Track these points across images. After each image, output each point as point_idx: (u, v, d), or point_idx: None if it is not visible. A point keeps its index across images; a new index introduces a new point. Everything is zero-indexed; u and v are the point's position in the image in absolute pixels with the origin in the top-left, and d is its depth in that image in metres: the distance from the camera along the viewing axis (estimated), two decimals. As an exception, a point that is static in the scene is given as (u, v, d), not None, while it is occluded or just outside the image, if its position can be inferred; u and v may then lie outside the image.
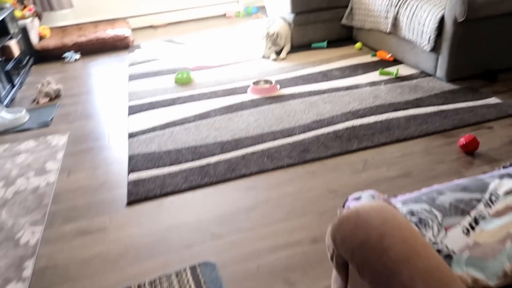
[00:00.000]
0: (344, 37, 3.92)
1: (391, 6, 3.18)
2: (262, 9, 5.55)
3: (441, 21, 2.68)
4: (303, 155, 2.16)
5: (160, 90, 3.18)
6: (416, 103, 2.59)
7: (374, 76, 3.07)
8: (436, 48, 2.78)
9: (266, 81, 3.07)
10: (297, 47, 3.84)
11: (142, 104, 2.96)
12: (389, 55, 3.33)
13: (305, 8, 3.69)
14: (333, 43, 3.89)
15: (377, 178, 1.95)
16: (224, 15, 5.51)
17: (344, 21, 3.79)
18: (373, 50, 3.58)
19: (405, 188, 1.85)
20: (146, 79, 3.43)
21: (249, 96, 2.94)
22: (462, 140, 2.04)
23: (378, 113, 2.51)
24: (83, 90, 3.37)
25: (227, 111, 2.73)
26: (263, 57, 3.67)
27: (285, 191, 1.92)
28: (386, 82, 2.94)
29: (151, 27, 5.26)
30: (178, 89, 3.18)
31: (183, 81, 3.27)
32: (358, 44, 3.67)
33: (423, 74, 3.01)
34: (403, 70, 3.12)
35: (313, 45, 3.86)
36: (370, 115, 2.50)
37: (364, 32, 3.66)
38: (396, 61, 3.29)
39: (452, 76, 2.80)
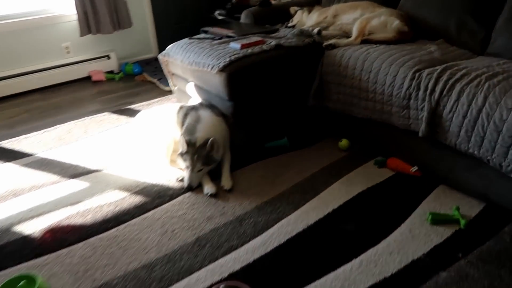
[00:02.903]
0: (312, 128, 2.41)
1: (419, 90, 1.79)
2: (147, 66, 3.72)
3: None
4: None
5: None
6: None
7: (423, 228, 1.61)
8: (543, 179, 1.47)
9: (230, 291, 1.37)
10: (239, 153, 2.18)
11: None
12: (414, 168, 1.94)
13: (251, 91, 2.09)
14: (297, 139, 2.34)
15: None
16: (89, 78, 3.53)
17: (312, 101, 2.29)
18: (373, 154, 2.13)
19: None
20: None
21: None
22: None
23: None
24: None
25: None
26: (189, 189, 1.92)
27: None
28: (461, 250, 1.52)
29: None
30: None
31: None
32: (344, 142, 2.21)
33: (501, 211, 1.67)
34: (460, 205, 1.74)
35: (268, 145, 2.27)
36: None
37: (351, 120, 2.20)
38: (426, 178, 1.91)
39: None
